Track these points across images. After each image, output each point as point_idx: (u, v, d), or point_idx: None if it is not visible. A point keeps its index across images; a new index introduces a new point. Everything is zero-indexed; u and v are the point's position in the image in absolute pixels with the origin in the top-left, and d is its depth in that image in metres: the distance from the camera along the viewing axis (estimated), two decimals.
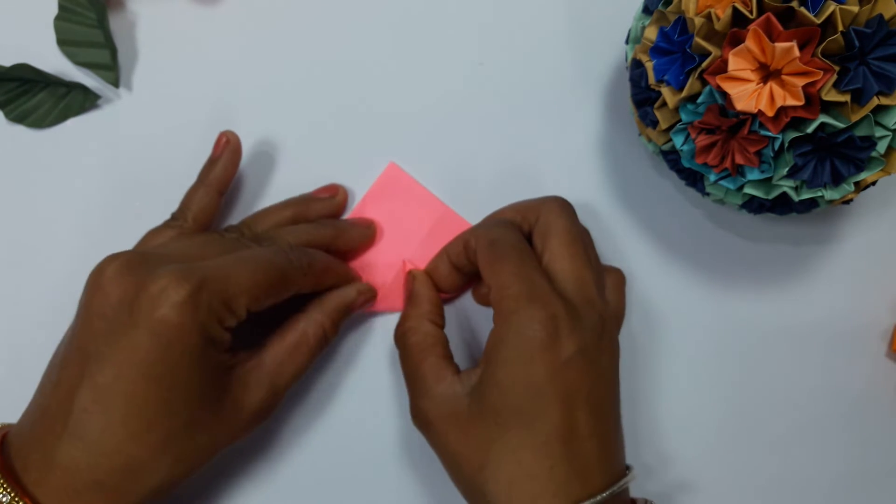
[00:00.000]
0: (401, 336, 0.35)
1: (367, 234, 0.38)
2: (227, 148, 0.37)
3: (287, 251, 0.33)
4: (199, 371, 0.30)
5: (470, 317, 0.39)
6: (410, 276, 0.37)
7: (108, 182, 0.39)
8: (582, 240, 0.34)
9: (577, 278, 0.32)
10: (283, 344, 0.34)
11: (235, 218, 0.39)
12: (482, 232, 0.34)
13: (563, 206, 0.35)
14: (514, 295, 0.31)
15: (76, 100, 0.39)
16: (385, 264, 0.39)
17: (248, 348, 0.33)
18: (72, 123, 0.40)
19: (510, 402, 0.30)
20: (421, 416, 0.33)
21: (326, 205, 0.38)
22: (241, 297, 0.31)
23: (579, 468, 0.30)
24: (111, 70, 0.39)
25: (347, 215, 0.39)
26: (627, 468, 0.32)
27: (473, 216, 0.39)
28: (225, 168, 0.37)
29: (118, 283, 0.29)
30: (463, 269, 0.36)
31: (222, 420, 0.31)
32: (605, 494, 0.30)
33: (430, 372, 0.33)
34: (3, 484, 0.28)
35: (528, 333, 0.30)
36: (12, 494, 0.28)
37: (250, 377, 0.32)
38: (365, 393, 0.38)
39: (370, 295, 0.37)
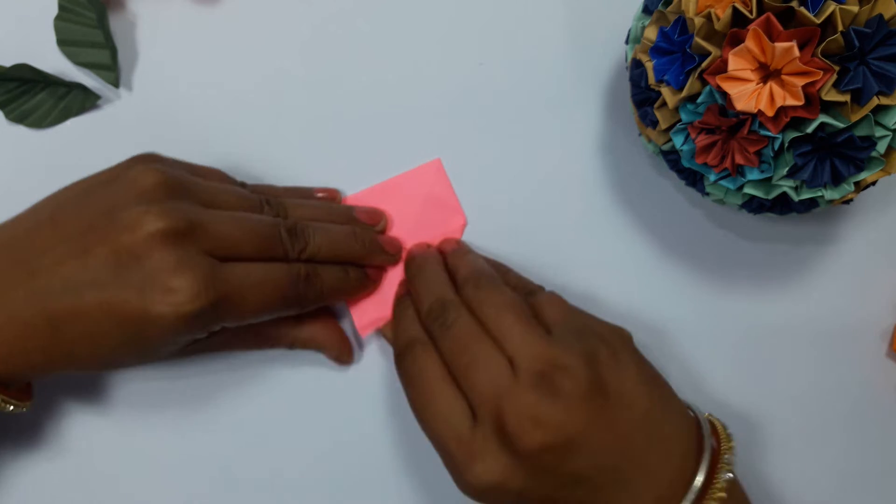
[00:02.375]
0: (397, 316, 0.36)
1: (392, 260, 0.38)
2: None
3: (301, 278, 0.34)
4: (169, 343, 0.31)
5: None
6: (402, 285, 0.38)
7: None
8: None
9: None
10: (258, 329, 0.35)
11: None
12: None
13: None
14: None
15: (76, 100, 0.39)
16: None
17: None
18: (72, 123, 0.40)
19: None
20: (401, 370, 0.34)
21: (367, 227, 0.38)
22: (244, 319, 0.32)
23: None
24: (111, 70, 0.39)
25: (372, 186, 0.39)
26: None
27: (472, 216, 0.39)
28: None
29: (150, 179, 0.31)
30: None
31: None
32: None
33: (419, 331, 0.35)
34: None
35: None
36: None
37: (207, 347, 0.34)
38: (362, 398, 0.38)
39: (342, 361, 0.38)
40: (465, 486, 0.30)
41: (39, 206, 0.33)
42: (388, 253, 0.37)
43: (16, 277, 0.30)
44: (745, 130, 0.29)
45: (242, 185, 0.37)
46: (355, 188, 0.39)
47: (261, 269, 0.32)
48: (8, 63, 0.38)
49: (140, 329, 0.29)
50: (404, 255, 0.38)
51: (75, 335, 0.30)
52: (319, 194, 0.39)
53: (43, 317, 0.29)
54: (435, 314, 0.33)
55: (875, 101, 0.28)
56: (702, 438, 0.32)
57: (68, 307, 0.29)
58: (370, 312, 0.38)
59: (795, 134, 0.29)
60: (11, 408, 0.31)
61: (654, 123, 0.33)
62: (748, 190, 0.32)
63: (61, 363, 0.31)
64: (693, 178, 0.34)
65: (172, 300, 0.29)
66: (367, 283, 0.37)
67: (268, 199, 0.36)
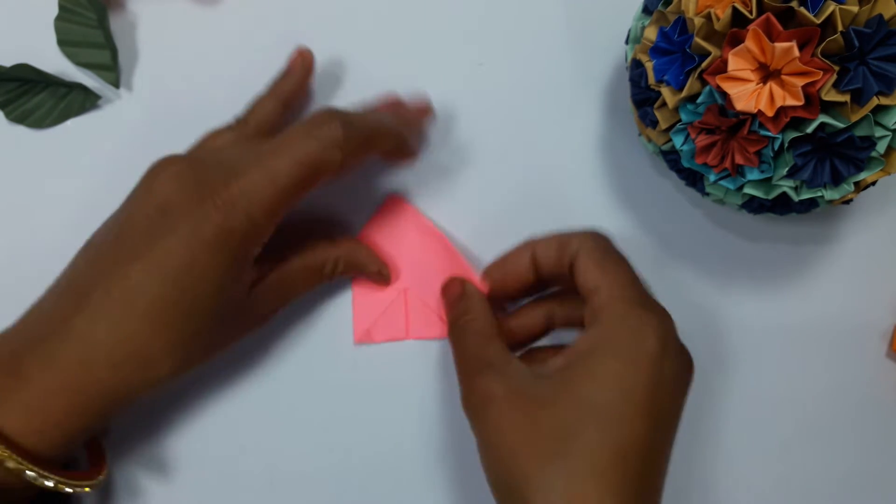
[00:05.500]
0: (461, 328, 0.34)
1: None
2: (301, 63, 0.38)
3: (318, 135, 0.32)
4: (224, 289, 0.31)
5: None
6: (457, 282, 0.36)
7: (108, 182, 0.39)
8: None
9: (668, 316, 0.32)
10: (303, 265, 0.35)
11: None
12: (589, 239, 0.33)
13: (602, 239, 0.34)
14: (630, 298, 0.31)
15: (76, 100, 0.39)
16: (382, 293, 0.38)
17: (268, 259, 0.34)
18: (72, 124, 0.40)
19: (601, 397, 0.29)
20: (482, 393, 0.30)
21: (301, 74, 0.38)
22: (274, 217, 0.31)
23: (647, 490, 0.29)
24: (111, 70, 0.39)
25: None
26: None
27: (472, 216, 0.39)
28: (295, 82, 0.38)
29: (168, 188, 0.31)
30: (542, 268, 0.34)
31: (233, 327, 0.33)
32: None
33: (497, 353, 0.32)
34: None
35: (645, 341, 0.30)
36: None
37: (267, 292, 0.34)
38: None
39: (384, 278, 0.37)
40: None
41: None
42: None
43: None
44: (745, 130, 0.29)
45: None
46: (351, 190, 0.39)
47: (278, 149, 0.32)
48: (8, 63, 0.38)
49: (199, 262, 0.30)
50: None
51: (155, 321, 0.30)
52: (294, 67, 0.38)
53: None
54: None
55: (875, 101, 0.28)
56: None
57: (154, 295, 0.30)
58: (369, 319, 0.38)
59: (795, 134, 0.29)
60: (88, 489, 0.31)
61: (654, 123, 0.33)
62: (748, 190, 0.32)
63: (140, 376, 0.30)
64: (693, 178, 0.34)
65: (202, 221, 0.30)
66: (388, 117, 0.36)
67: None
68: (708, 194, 0.35)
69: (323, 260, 0.36)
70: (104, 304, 0.30)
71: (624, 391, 0.29)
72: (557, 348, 0.33)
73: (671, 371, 0.30)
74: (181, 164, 0.32)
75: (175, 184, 0.31)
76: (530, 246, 0.35)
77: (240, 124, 0.37)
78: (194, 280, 0.30)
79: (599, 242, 0.33)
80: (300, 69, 0.38)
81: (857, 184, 0.32)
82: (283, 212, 0.32)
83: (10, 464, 0.28)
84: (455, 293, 0.36)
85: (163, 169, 0.32)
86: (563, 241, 0.34)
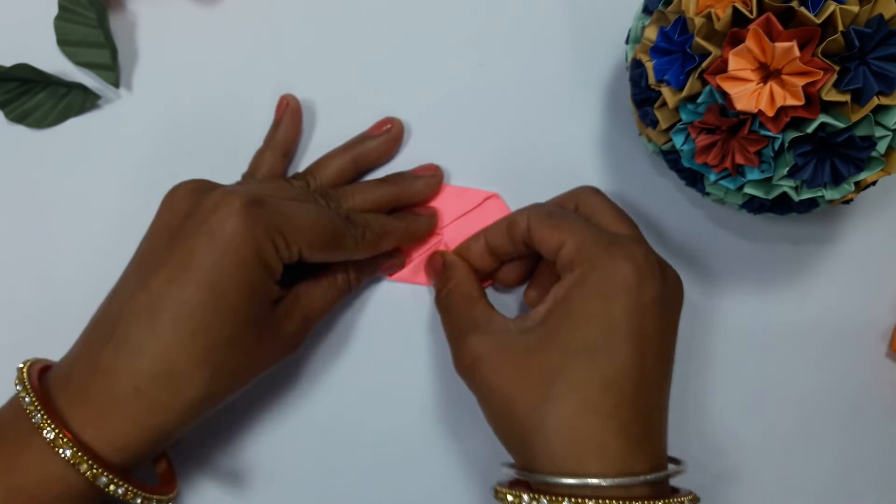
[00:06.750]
0: (446, 295, 0.35)
1: (432, 182, 0.39)
2: (287, 111, 0.39)
3: (344, 221, 0.34)
4: (249, 290, 0.30)
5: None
6: (438, 255, 0.38)
7: (107, 182, 0.39)
8: (628, 216, 0.34)
9: (641, 242, 0.33)
10: (317, 283, 0.35)
11: None
12: (534, 209, 0.34)
13: (599, 191, 0.36)
14: (597, 240, 0.31)
15: (76, 100, 0.39)
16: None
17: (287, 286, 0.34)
18: (72, 123, 0.40)
19: (582, 335, 0.30)
20: (470, 354, 0.32)
21: (383, 140, 0.39)
22: (296, 235, 0.31)
23: (643, 412, 0.30)
24: (111, 70, 0.39)
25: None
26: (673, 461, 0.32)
27: None
28: (287, 130, 0.38)
29: (186, 198, 0.31)
30: (498, 251, 0.36)
31: (261, 344, 0.32)
32: (656, 475, 0.29)
33: (482, 315, 0.33)
34: (37, 407, 0.29)
35: (617, 273, 0.30)
36: (42, 415, 0.28)
37: (291, 308, 0.33)
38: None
39: (397, 264, 0.38)
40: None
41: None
42: (424, 177, 0.38)
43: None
44: (746, 130, 0.29)
45: (304, 175, 0.38)
46: None
47: (308, 203, 0.34)
48: (8, 63, 0.38)
49: (222, 255, 0.29)
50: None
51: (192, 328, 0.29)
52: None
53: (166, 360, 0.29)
54: None
55: (875, 101, 0.28)
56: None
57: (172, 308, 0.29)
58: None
59: (795, 134, 0.29)
60: None
61: (655, 123, 0.33)
62: (748, 190, 0.32)
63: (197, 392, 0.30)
64: (693, 178, 0.34)
65: (220, 208, 0.30)
66: (430, 184, 0.38)
67: (294, 175, 0.38)
68: (708, 194, 0.35)
69: (334, 273, 0.36)
70: (127, 329, 0.29)
71: (604, 325, 0.30)
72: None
73: (653, 293, 0.30)
74: (197, 180, 0.33)
75: (196, 193, 0.31)
76: (482, 234, 0.37)
77: (247, 179, 0.38)
78: (220, 277, 0.29)
79: (544, 208, 0.34)
80: (289, 117, 0.39)
81: (857, 184, 0.32)
82: (302, 241, 0.32)
83: (84, 467, 0.28)
84: (438, 264, 0.37)
85: (181, 185, 0.32)
86: (511, 221, 0.35)
